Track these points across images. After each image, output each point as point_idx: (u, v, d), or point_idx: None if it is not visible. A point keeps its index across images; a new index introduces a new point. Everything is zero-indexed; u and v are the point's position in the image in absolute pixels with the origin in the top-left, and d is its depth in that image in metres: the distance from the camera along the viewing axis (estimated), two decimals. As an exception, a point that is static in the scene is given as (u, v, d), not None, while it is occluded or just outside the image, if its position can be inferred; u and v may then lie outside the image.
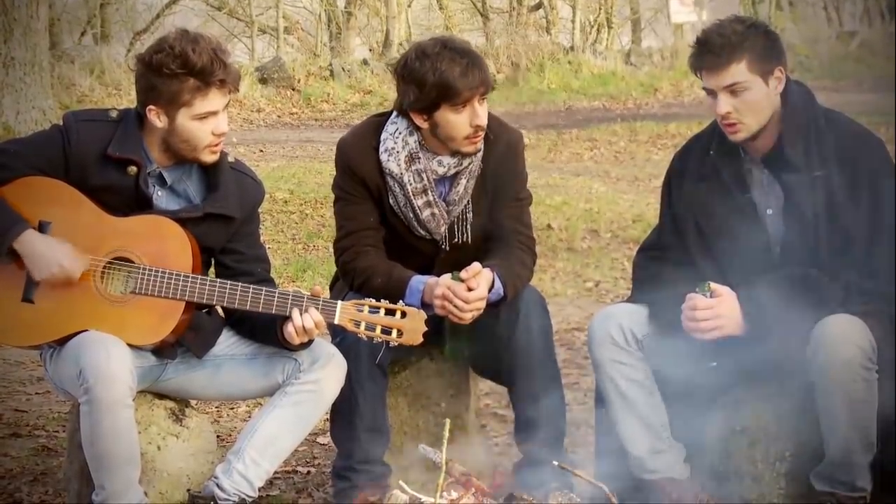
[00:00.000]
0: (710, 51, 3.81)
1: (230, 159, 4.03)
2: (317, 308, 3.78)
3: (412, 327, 3.77)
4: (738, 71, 3.78)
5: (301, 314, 3.76)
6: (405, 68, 4.12)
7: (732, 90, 3.78)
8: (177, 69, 3.75)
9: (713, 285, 3.79)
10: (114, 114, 3.94)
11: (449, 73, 4.04)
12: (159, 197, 3.92)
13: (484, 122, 4.10)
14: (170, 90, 3.77)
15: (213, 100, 3.80)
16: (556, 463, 3.73)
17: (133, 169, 3.84)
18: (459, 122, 4.09)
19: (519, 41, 24.59)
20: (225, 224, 3.95)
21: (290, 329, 3.78)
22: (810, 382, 3.72)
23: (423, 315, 3.79)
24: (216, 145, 3.85)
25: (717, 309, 3.78)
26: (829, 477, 3.79)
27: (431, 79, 4.04)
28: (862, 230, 3.77)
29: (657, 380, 3.95)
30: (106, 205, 3.86)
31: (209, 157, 3.87)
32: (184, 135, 3.82)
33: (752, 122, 3.82)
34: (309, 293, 3.83)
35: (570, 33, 27.40)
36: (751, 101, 3.80)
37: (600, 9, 28.84)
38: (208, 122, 3.81)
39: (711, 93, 3.83)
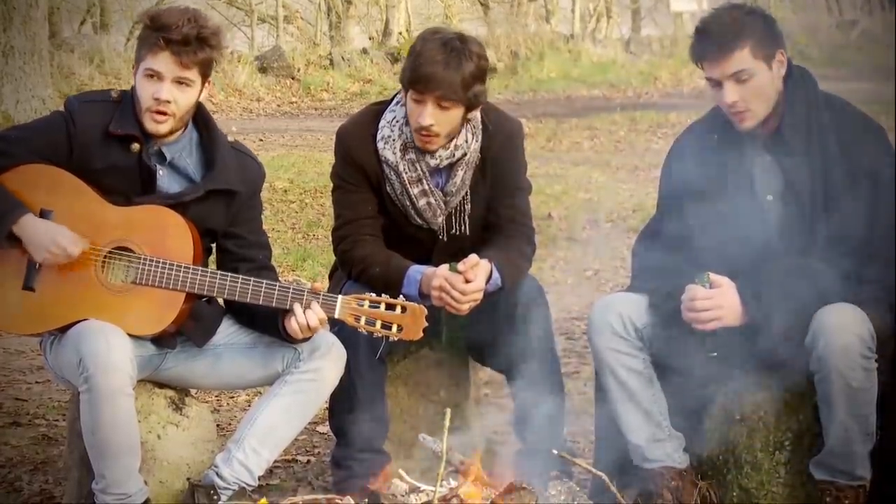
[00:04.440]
0: (712, 40, 3.80)
1: (230, 140, 4.05)
2: (318, 302, 3.78)
3: (412, 323, 3.77)
4: (742, 58, 3.77)
5: (304, 310, 3.77)
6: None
7: (738, 78, 3.77)
8: (147, 23, 3.87)
9: (713, 276, 3.79)
10: (114, 94, 3.95)
11: (416, 59, 4.06)
12: (162, 176, 3.92)
13: (424, 124, 4.06)
14: (139, 44, 3.90)
15: (162, 61, 3.81)
16: (555, 452, 3.74)
17: (136, 146, 3.86)
18: (413, 113, 4.10)
19: (519, 30, 24.59)
20: (226, 202, 3.96)
21: (293, 325, 3.78)
22: (809, 371, 3.73)
23: (423, 310, 3.78)
24: (158, 113, 3.83)
25: (716, 299, 3.78)
26: (828, 465, 3.79)
27: (408, 58, 4.10)
28: (861, 218, 3.77)
29: (657, 369, 3.96)
30: (109, 189, 3.87)
31: (151, 125, 3.84)
32: (136, 92, 3.86)
33: (759, 109, 3.82)
34: (309, 286, 3.84)
35: (569, 22, 27.41)
36: (757, 87, 3.80)
37: (600, -3, 28.85)
38: (152, 83, 3.82)
39: (716, 83, 3.81)
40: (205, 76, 3.89)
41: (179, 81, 3.83)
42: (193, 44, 3.81)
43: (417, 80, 4.04)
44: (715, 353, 3.88)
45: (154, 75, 3.82)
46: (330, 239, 4.40)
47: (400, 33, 25.20)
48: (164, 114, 3.83)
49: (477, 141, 4.22)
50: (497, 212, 4.26)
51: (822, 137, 3.83)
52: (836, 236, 3.77)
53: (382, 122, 4.23)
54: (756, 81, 3.79)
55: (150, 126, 3.85)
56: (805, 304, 3.71)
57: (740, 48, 3.77)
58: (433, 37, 4.12)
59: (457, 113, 4.09)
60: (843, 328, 3.65)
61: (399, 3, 26.24)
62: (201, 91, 3.91)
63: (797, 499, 3.91)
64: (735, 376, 3.98)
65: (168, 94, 3.81)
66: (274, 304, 3.79)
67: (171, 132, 3.89)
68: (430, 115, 4.05)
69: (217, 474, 3.92)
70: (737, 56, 3.76)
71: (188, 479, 3.97)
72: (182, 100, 3.84)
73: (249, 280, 3.81)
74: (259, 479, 3.99)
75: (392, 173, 4.19)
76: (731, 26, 3.81)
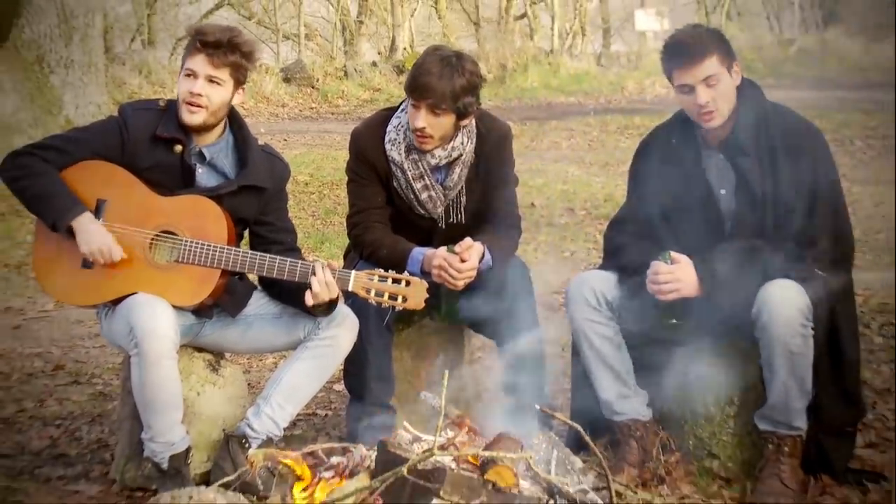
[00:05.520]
0: (686, 50, 3.78)
1: (260, 143, 4.04)
2: (325, 270, 3.77)
3: (415, 294, 3.76)
4: (711, 64, 3.76)
5: (323, 270, 3.76)
6: None
7: (708, 83, 3.76)
8: (191, 33, 3.92)
9: (673, 254, 3.78)
10: (162, 103, 3.96)
11: (416, 70, 4.06)
12: (201, 173, 3.92)
13: (418, 126, 4.06)
14: (183, 54, 3.94)
15: (197, 61, 3.84)
16: (538, 406, 3.74)
17: (178, 147, 3.87)
18: (411, 117, 4.10)
19: (506, 46, 24.53)
20: (257, 196, 3.96)
21: (306, 294, 3.77)
22: (754, 337, 3.72)
23: (424, 284, 3.78)
24: (191, 105, 3.84)
25: (675, 274, 3.77)
26: (770, 418, 3.79)
27: (411, 69, 4.10)
28: (802, 207, 3.75)
29: (624, 335, 3.95)
30: (155, 183, 3.87)
31: (186, 116, 3.86)
32: (177, 89, 3.88)
33: (724, 109, 3.81)
34: (327, 262, 3.83)
35: (549, 39, 27.37)
36: (722, 90, 3.78)
37: (576, 18, 28.88)
38: (189, 81, 3.84)
39: (689, 88, 3.79)
40: (236, 80, 3.88)
41: (211, 80, 3.83)
42: (224, 47, 3.82)
43: (414, 88, 4.04)
44: (674, 321, 3.90)
45: (191, 74, 3.84)
46: (344, 225, 4.40)
47: (404, 48, 25.16)
48: (198, 106, 3.83)
49: (472, 143, 4.21)
50: (489, 203, 4.25)
51: (769, 140, 3.82)
52: (779, 224, 3.76)
53: (390, 127, 4.21)
54: (722, 85, 3.78)
55: (186, 117, 3.85)
56: (752, 280, 3.70)
57: (709, 56, 3.76)
58: (434, 52, 4.11)
59: (448, 119, 4.07)
60: (784, 301, 3.64)
61: (403, 22, 26.22)
62: (234, 92, 3.89)
63: (743, 446, 3.92)
64: (691, 341, 3.98)
65: (201, 88, 3.82)
66: (297, 279, 3.79)
67: (205, 125, 3.88)
68: (423, 119, 4.04)
69: (248, 426, 3.92)
70: (707, 63, 3.75)
71: (223, 430, 3.98)
72: (214, 96, 3.84)
73: (276, 258, 3.81)
74: (284, 430, 3.99)
75: (398, 171, 4.18)
76: (700, 38, 3.81)
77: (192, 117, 3.85)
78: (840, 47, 27.03)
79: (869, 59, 25.58)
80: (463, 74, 4.03)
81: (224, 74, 3.84)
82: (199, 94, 3.82)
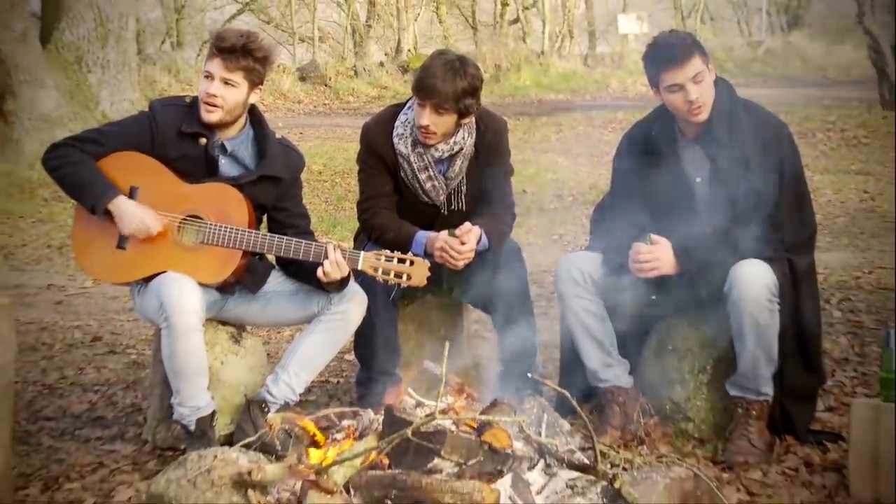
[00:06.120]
0: (674, 53, 3.74)
1: (278, 136, 4.02)
2: (335, 251, 3.76)
3: (418, 273, 3.75)
4: (696, 63, 3.72)
5: (334, 252, 3.75)
6: None
7: (695, 80, 3.71)
8: (212, 39, 3.89)
9: (653, 236, 3.76)
10: (187, 99, 3.93)
11: (422, 73, 4.03)
12: (223, 164, 3.90)
13: (422, 123, 4.03)
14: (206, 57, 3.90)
15: (214, 64, 3.81)
16: (529, 374, 3.73)
17: (203, 140, 3.84)
18: (417, 114, 4.07)
19: (500, 48, 24.52)
20: (274, 185, 3.93)
21: (319, 272, 3.75)
22: (726, 312, 3.71)
23: (427, 263, 3.76)
24: (209, 104, 3.81)
25: (655, 253, 3.75)
26: (740, 384, 3.78)
27: (418, 71, 4.07)
28: (770, 194, 3.73)
29: (608, 310, 3.94)
30: (182, 173, 3.85)
31: (204, 114, 3.83)
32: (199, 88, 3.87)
33: (708, 103, 3.77)
34: (338, 244, 3.82)
35: (540, 41, 27.30)
36: (707, 86, 3.75)
37: (564, 22, 28.83)
38: (207, 82, 3.81)
39: (677, 88, 3.73)
40: (250, 81, 3.84)
41: (226, 82, 3.80)
42: (238, 52, 3.79)
43: (421, 89, 4.01)
44: (654, 297, 3.88)
45: (209, 76, 3.82)
46: (355, 210, 4.37)
47: (409, 50, 25.11)
48: (215, 105, 3.81)
49: (471, 137, 4.19)
50: (486, 191, 4.23)
51: (740, 133, 3.79)
52: (749, 209, 3.74)
53: (397, 123, 4.19)
54: (706, 81, 3.75)
55: (204, 115, 3.83)
56: (724, 260, 3.69)
57: (694, 56, 3.72)
58: (439, 57, 4.09)
59: (450, 118, 4.05)
60: (753, 279, 3.63)
61: (408, 26, 26.16)
62: (249, 93, 3.86)
63: (715, 410, 3.91)
64: (669, 315, 3.98)
65: (216, 90, 3.79)
66: (311, 259, 3.77)
67: (221, 122, 3.85)
68: (428, 118, 4.02)
69: (267, 392, 3.91)
70: (693, 62, 3.71)
71: (245, 395, 3.97)
72: (228, 96, 3.81)
73: (292, 240, 3.79)
74: (299, 395, 3.99)
75: (405, 162, 4.16)
76: (684, 41, 3.79)
77: (209, 115, 3.83)
78: (803, 49, 27.05)
79: (829, 60, 25.61)
80: (465, 78, 4.00)
81: (238, 77, 3.81)
82: (215, 95, 3.79)
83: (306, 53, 26.72)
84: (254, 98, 3.90)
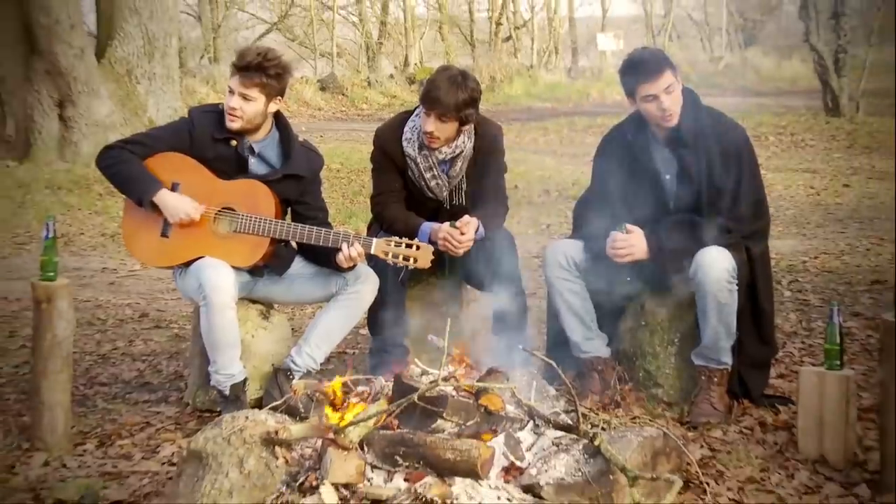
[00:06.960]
0: (650, 67, 3.69)
1: (300, 139, 3.98)
2: (359, 243, 3.74)
3: (423, 257, 3.74)
4: (668, 76, 3.68)
5: (348, 247, 3.73)
6: None
7: (668, 90, 3.68)
8: (235, 57, 3.85)
9: (628, 225, 3.74)
10: (222, 106, 3.89)
11: (429, 85, 4.01)
12: (252, 163, 3.88)
13: (427, 130, 4.00)
14: None
15: (234, 81, 3.79)
16: (520, 347, 3.71)
17: (234, 143, 3.83)
18: (422, 122, 4.04)
19: (495, 62, 24.49)
20: (297, 182, 3.91)
21: (340, 257, 3.75)
22: (692, 292, 3.70)
23: (430, 248, 3.76)
24: (230, 115, 3.79)
25: (630, 241, 3.74)
26: (704, 355, 3.77)
27: (425, 83, 4.04)
28: (730, 189, 3.71)
29: (589, 290, 3.92)
30: (217, 171, 3.84)
31: (228, 123, 3.80)
32: None
33: (677, 111, 3.73)
34: (354, 233, 3.80)
35: (530, 56, 27.23)
36: (677, 96, 3.72)
37: (550, 40, 28.78)
38: (229, 96, 3.80)
39: (652, 98, 3.69)
40: (267, 94, 3.80)
41: (244, 96, 3.77)
42: (253, 70, 3.75)
43: (426, 100, 3.99)
44: (628, 279, 3.87)
45: (231, 90, 3.79)
46: (368, 203, 4.36)
47: (415, 64, 25.08)
48: (235, 116, 3.79)
49: (471, 141, 4.16)
50: (484, 187, 4.21)
51: (704, 136, 3.76)
52: (711, 202, 3.72)
53: (406, 128, 4.16)
54: (676, 92, 3.71)
55: (228, 124, 3.81)
56: (690, 247, 3.67)
57: (666, 70, 3.69)
58: (444, 71, 4.06)
59: (452, 126, 4.03)
60: (715, 263, 3.61)
61: (414, 43, 26.14)
62: (267, 104, 3.82)
63: (682, 378, 3.89)
64: (642, 294, 3.96)
65: (235, 103, 3.78)
66: (330, 245, 3.76)
67: (243, 130, 3.83)
68: (432, 125, 3.99)
69: (292, 362, 3.91)
70: (665, 75, 3.68)
71: (272, 365, 3.96)
72: (247, 108, 3.79)
73: (314, 229, 3.78)
74: (320, 365, 3.98)
75: (412, 163, 4.13)
76: (656, 56, 3.76)
77: (231, 125, 3.81)
78: (758, 64, 27.03)
79: (780, 73, 25.60)
80: (466, 91, 3.98)
81: (254, 92, 3.77)
82: (235, 108, 3.78)
83: (326, 67, 26.64)
84: (274, 107, 3.86)
